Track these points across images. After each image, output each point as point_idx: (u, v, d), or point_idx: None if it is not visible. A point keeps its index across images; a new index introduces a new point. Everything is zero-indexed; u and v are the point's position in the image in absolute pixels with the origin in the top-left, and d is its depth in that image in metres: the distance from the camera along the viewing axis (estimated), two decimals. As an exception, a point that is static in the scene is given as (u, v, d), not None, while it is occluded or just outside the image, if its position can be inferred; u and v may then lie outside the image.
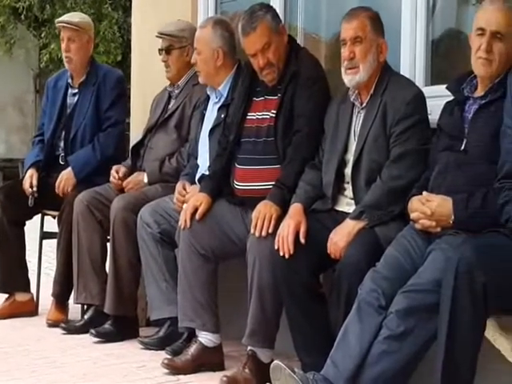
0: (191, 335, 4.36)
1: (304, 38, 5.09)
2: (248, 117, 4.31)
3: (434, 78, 4.31)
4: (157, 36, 5.10)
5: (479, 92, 3.51)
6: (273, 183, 4.08)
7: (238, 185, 4.26)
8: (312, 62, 4.30)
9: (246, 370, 4.00)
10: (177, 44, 5.06)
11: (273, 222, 3.92)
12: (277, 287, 3.82)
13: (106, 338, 4.85)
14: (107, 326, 4.89)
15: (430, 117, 3.82)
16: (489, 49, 3.42)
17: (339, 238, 3.66)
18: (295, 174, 4.05)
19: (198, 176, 4.59)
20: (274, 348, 4.07)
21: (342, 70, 3.87)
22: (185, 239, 4.23)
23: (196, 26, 5.06)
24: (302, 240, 3.75)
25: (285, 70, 4.21)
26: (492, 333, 3.15)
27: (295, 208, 3.89)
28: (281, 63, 4.22)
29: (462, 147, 3.44)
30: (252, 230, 3.95)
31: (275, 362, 3.37)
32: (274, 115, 4.19)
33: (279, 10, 4.78)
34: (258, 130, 4.25)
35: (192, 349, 4.25)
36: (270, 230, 3.90)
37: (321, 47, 5.28)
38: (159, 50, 5.12)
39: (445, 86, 3.70)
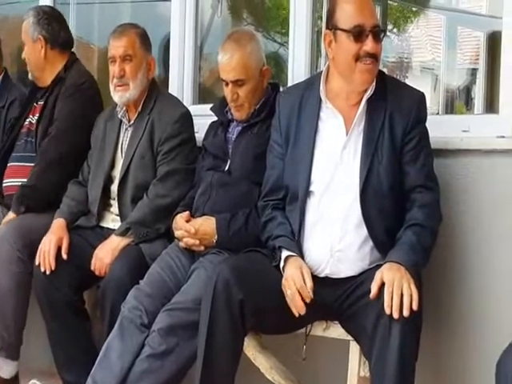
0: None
1: (77, 45, 5.02)
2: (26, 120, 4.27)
3: (201, 97, 4.39)
4: None
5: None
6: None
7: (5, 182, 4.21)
8: (79, 70, 4.26)
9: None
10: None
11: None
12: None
13: None
14: None
15: (197, 135, 3.87)
16: (235, 97, 3.50)
17: (104, 255, 3.64)
18: (37, 174, 4.01)
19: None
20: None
21: (111, 86, 3.83)
22: None
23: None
24: (64, 256, 3.69)
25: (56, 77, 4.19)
26: (252, 351, 3.23)
27: (57, 223, 3.82)
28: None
29: (226, 168, 3.51)
30: None
31: (32, 381, 3.29)
32: (36, 119, 4.18)
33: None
34: (28, 133, 4.22)
35: None
36: None
37: (93, 56, 5.23)
38: None
39: (211, 105, 3.76)
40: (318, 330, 3.11)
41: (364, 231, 3.00)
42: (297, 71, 3.92)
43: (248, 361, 3.24)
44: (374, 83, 3.07)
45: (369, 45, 2.99)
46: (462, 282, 3.31)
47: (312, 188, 3.08)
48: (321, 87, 3.11)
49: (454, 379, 3.34)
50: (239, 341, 3.03)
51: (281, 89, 3.63)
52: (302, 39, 3.92)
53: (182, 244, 3.48)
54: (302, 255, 3.06)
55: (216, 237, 3.39)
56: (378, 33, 3.02)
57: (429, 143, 3.11)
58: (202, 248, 3.42)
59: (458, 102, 7.90)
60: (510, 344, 2.49)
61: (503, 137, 3.22)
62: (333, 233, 3.03)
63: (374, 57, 3.02)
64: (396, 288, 2.75)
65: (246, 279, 2.98)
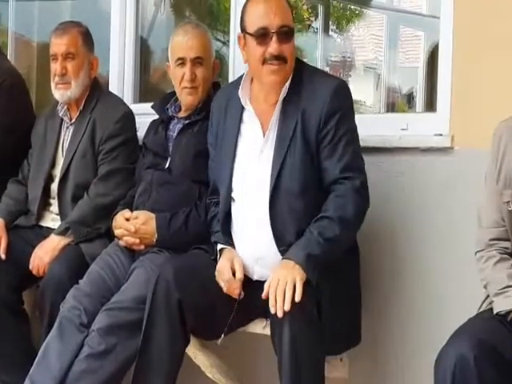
0: None
1: (15, 41, 4.97)
2: None
3: (145, 95, 4.38)
4: None
5: (183, 112, 3.60)
6: None
7: None
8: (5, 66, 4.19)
9: None
10: None
11: None
12: None
13: None
14: None
15: (138, 134, 3.85)
16: (193, 77, 3.50)
17: (43, 254, 3.61)
18: None
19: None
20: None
21: (53, 84, 3.81)
22: None
23: None
24: (3, 256, 3.66)
25: None
26: (193, 349, 3.23)
27: None
28: None
29: (166, 166, 3.50)
30: None
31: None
32: None
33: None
34: None
35: None
36: None
37: (33, 53, 5.19)
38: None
39: (151, 104, 3.75)
40: (258, 327, 3.13)
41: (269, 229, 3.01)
42: (237, 70, 3.92)
43: (189, 359, 3.24)
44: (289, 83, 3.05)
45: (272, 46, 2.99)
46: (401, 279, 3.34)
47: (233, 194, 3.12)
48: (240, 90, 3.11)
49: (394, 375, 3.38)
50: (179, 341, 3.03)
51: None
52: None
53: (121, 243, 3.46)
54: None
55: (156, 236, 3.38)
56: (284, 33, 3.01)
57: (349, 131, 3.02)
58: (142, 247, 3.41)
59: (399, 100, 7.99)
60: (449, 341, 2.52)
61: (441, 135, 3.27)
62: (252, 241, 3.07)
63: (281, 58, 3.01)
64: (279, 286, 2.77)
65: (186, 279, 3.00)
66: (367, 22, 8.36)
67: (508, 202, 2.68)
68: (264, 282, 2.89)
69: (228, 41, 4.22)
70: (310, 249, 2.87)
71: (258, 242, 3.05)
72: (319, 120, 2.99)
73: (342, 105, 3.03)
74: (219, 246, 3.14)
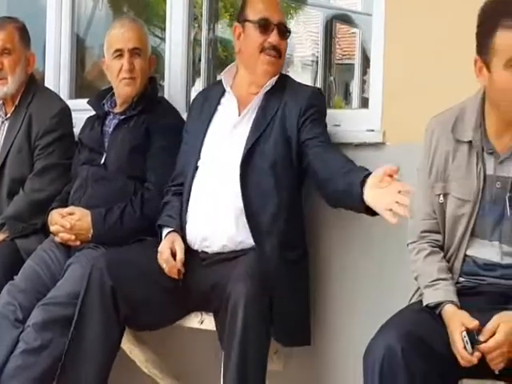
0: None
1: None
2: None
3: (78, 92, 4.36)
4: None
5: (119, 108, 3.61)
6: None
7: None
8: None
9: None
10: None
11: None
12: None
13: None
14: None
15: (75, 130, 3.84)
16: (131, 67, 3.53)
17: None
18: None
19: None
20: None
21: None
22: None
23: None
24: None
25: None
26: (128, 344, 3.24)
27: None
28: None
29: (102, 161, 3.51)
30: None
31: None
32: None
33: None
34: None
35: None
36: None
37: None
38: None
39: (87, 100, 3.75)
40: (194, 322, 3.15)
41: (240, 205, 3.08)
42: (174, 67, 3.94)
43: (124, 354, 3.25)
44: (276, 79, 3.22)
45: (273, 38, 3.21)
46: (333, 275, 3.39)
47: (199, 163, 3.21)
48: (223, 74, 3.31)
49: (328, 368, 3.43)
50: (113, 330, 3.05)
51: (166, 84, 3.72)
52: (178, 34, 3.95)
53: (57, 239, 3.46)
54: (183, 231, 3.15)
55: (92, 231, 3.39)
56: (283, 30, 3.24)
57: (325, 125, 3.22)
58: (78, 243, 3.41)
59: (336, 97, 8.06)
60: (378, 333, 2.56)
61: (373, 131, 3.32)
62: (210, 206, 3.13)
63: (278, 51, 3.22)
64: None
65: (120, 268, 3.05)
66: (305, 19, 8.41)
67: (439, 194, 2.73)
68: (208, 256, 3.03)
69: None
70: None
71: (217, 208, 3.11)
72: (299, 110, 3.15)
73: (319, 104, 3.23)
74: (164, 232, 3.18)
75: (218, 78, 3.34)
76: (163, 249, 3.09)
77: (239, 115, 3.21)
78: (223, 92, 3.30)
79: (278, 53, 3.23)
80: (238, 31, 3.29)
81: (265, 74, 3.22)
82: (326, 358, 3.41)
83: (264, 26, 3.21)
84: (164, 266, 3.06)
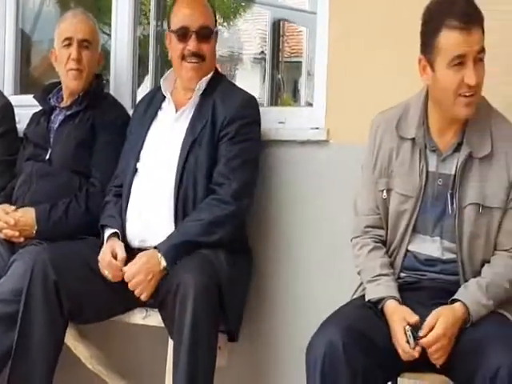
0: None
1: None
2: None
3: (23, 87, 4.33)
4: None
5: (65, 103, 3.60)
6: None
7: None
8: None
9: None
10: None
11: None
12: None
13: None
14: None
15: (19, 126, 3.80)
16: (79, 57, 3.53)
17: None
18: None
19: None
20: None
21: None
22: None
23: None
24: None
25: None
26: (72, 340, 3.23)
27: None
28: None
29: (47, 157, 3.50)
30: None
31: None
32: None
33: None
34: None
35: None
36: None
37: None
38: None
39: (33, 95, 3.73)
40: (138, 318, 3.15)
41: (172, 206, 3.13)
42: (119, 64, 3.93)
43: (69, 351, 3.24)
44: (206, 81, 3.24)
45: (191, 44, 3.23)
46: (282, 269, 3.41)
47: (138, 165, 3.23)
48: (162, 81, 3.32)
49: (270, 364, 3.45)
50: (57, 324, 3.04)
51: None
52: (124, 30, 3.93)
53: (1, 235, 3.42)
54: (124, 230, 3.18)
55: (36, 227, 3.37)
56: (203, 33, 3.25)
57: (248, 140, 3.20)
58: (22, 239, 3.39)
59: (285, 94, 8.08)
60: (319, 328, 2.58)
61: (317, 128, 3.34)
62: (148, 208, 3.16)
63: (199, 56, 3.24)
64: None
65: (63, 262, 3.05)
66: (254, 17, 8.42)
67: (382, 190, 2.76)
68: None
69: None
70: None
71: (153, 207, 3.15)
72: (223, 119, 3.18)
73: (249, 114, 3.24)
74: (106, 233, 3.19)
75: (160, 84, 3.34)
76: (104, 254, 3.10)
77: (175, 118, 3.26)
78: (164, 97, 3.33)
79: (200, 57, 3.25)
80: (168, 40, 3.34)
81: (190, 80, 3.27)
82: (269, 353, 3.43)
83: (182, 34, 3.25)
84: (107, 273, 3.07)
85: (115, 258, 3.09)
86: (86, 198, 3.39)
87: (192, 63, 3.25)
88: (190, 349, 2.85)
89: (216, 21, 3.41)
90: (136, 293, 3.01)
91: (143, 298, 3.02)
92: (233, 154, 3.16)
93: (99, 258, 3.10)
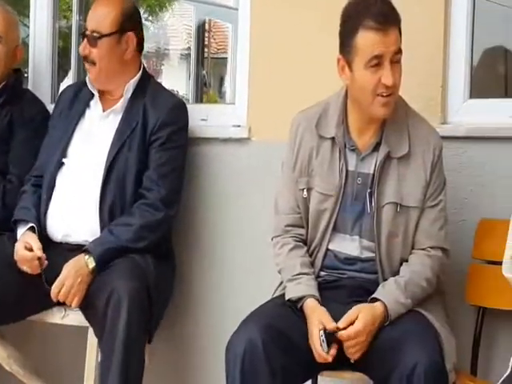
0: None
1: None
2: None
3: None
4: None
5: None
6: None
7: None
8: None
9: None
10: None
11: None
12: None
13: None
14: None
15: None
16: None
17: None
18: None
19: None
20: None
21: None
22: None
23: None
24: None
25: None
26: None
27: None
28: None
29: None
30: None
31: None
32: None
33: None
34: None
35: None
36: None
37: None
38: None
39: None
40: (57, 317, 3.10)
41: (97, 203, 3.11)
42: (38, 57, 3.87)
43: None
44: (134, 83, 3.21)
45: (81, 47, 3.24)
46: (205, 266, 3.41)
47: (65, 160, 3.20)
48: (88, 81, 3.28)
49: (193, 362, 3.45)
50: None
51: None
52: (43, 24, 3.89)
53: None
54: (42, 222, 3.14)
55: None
56: (92, 37, 3.18)
57: (177, 148, 3.20)
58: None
59: (211, 91, 8.05)
60: (239, 327, 2.58)
61: (239, 126, 3.34)
62: (74, 203, 3.13)
63: (88, 60, 3.20)
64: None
65: None
66: (180, 12, 8.36)
67: (303, 189, 2.77)
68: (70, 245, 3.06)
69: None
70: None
71: (77, 204, 3.13)
72: (155, 124, 3.15)
73: (178, 120, 3.22)
74: (21, 230, 3.14)
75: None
76: (18, 250, 3.05)
77: (102, 116, 3.23)
78: (93, 95, 3.29)
79: (90, 62, 3.21)
80: None
81: (91, 83, 3.26)
82: (189, 354, 3.43)
83: (82, 35, 3.24)
84: (25, 267, 3.02)
85: (31, 250, 3.03)
86: (2, 194, 3.34)
87: (87, 66, 3.23)
88: (124, 352, 2.82)
89: (123, 23, 3.22)
90: (67, 301, 2.96)
91: (75, 304, 2.97)
92: (162, 161, 3.15)
93: (15, 257, 3.05)
